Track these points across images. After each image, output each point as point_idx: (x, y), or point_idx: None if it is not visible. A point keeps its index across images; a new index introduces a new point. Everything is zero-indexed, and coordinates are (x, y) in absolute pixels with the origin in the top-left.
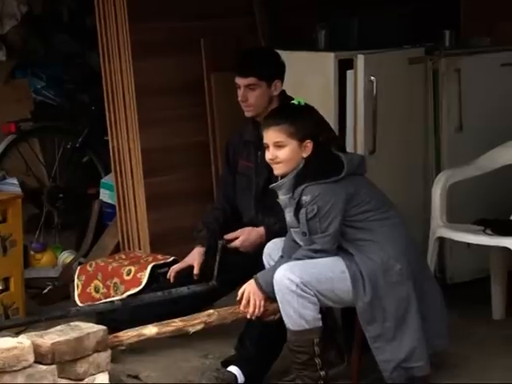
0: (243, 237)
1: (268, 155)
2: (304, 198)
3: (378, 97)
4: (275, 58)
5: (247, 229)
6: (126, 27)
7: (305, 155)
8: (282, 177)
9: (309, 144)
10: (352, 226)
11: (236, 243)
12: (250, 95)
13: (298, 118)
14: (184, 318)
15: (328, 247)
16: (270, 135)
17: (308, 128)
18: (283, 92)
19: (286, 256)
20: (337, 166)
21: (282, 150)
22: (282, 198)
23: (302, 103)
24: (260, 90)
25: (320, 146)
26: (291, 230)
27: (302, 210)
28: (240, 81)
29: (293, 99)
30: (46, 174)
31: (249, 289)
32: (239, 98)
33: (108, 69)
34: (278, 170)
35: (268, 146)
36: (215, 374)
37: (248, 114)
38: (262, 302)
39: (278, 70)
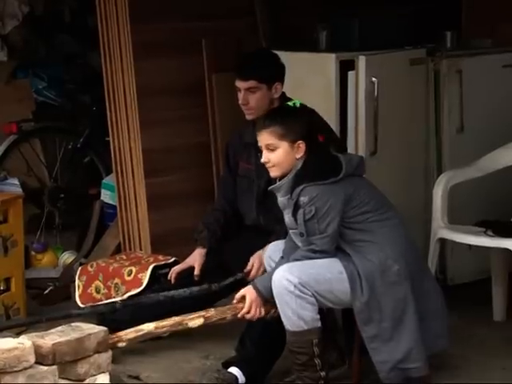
0: (257, 264)
1: (262, 158)
2: (302, 198)
3: (379, 98)
4: (275, 60)
5: (258, 254)
6: (127, 28)
7: (298, 156)
8: (281, 178)
9: (301, 145)
10: (351, 227)
11: (253, 274)
12: (251, 98)
13: (288, 119)
14: (182, 315)
15: (327, 248)
16: (262, 138)
17: (299, 129)
18: (283, 94)
19: (287, 257)
20: (335, 167)
21: (274, 153)
22: (281, 199)
23: (297, 104)
24: (260, 93)
25: (318, 147)
26: (290, 231)
27: (300, 211)
28: (240, 84)
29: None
30: (47, 174)
31: (246, 294)
32: (240, 102)
33: (109, 69)
34: (272, 172)
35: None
36: (216, 375)
37: (249, 117)
38: (262, 309)
39: (278, 72)
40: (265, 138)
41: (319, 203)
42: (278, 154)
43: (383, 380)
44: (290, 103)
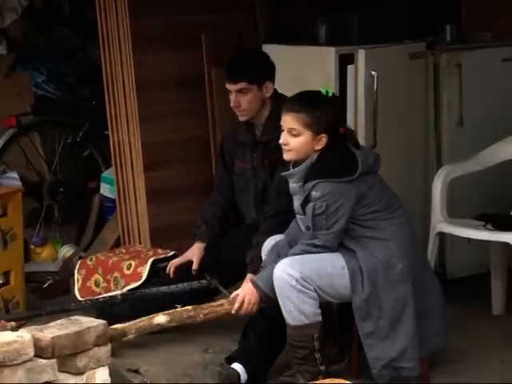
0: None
1: (281, 139)
2: (314, 193)
3: (378, 91)
4: (264, 59)
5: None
6: (126, 20)
7: (318, 148)
8: (294, 164)
9: (323, 138)
10: (360, 224)
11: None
12: (242, 100)
13: (318, 110)
14: None
15: (329, 244)
16: (287, 120)
17: (325, 121)
18: (275, 91)
19: (289, 238)
20: (351, 165)
21: (295, 139)
22: (293, 185)
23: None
24: (252, 94)
25: (338, 139)
26: (297, 216)
27: (310, 205)
28: (230, 86)
29: (286, 97)
30: (46, 167)
31: (245, 292)
32: (231, 104)
33: (108, 61)
34: (287, 155)
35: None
36: (219, 369)
37: (242, 119)
38: (256, 306)
39: (267, 72)
40: (290, 122)
41: (330, 200)
42: (298, 140)
43: (375, 377)
44: (322, 89)
